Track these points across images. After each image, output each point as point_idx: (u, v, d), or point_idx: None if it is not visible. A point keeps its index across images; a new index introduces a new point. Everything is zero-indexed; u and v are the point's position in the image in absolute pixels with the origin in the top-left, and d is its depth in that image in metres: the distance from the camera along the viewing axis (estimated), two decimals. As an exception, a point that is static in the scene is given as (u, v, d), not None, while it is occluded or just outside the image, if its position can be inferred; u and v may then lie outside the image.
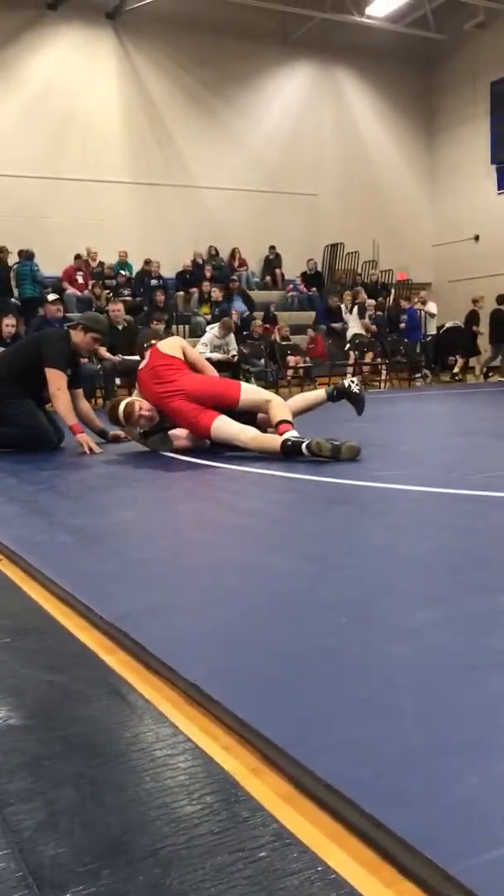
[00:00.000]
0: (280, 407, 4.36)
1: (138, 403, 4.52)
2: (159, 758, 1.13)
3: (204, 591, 1.92)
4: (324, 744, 1.11)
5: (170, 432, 4.63)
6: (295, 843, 0.92)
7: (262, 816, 0.97)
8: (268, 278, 16.11)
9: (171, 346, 4.81)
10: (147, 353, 4.84)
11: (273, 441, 4.14)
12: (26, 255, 12.48)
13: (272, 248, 16.24)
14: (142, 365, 4.83)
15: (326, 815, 0.98)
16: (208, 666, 1.40)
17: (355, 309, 13.32)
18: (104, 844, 0.93)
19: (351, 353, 12.81)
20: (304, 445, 3.94)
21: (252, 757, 1.14)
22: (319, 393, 4.80)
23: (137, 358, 8.55)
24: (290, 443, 4.01)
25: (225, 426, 4.29)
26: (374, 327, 13.31)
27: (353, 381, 4.64)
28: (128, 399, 4.57)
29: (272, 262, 16.26)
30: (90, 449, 4.70)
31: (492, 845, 0.87)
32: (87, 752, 1.15)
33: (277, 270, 16.14)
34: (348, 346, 13.03)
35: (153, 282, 13.59)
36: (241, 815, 0.98)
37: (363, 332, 13.07)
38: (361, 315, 13.22)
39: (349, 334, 13.17)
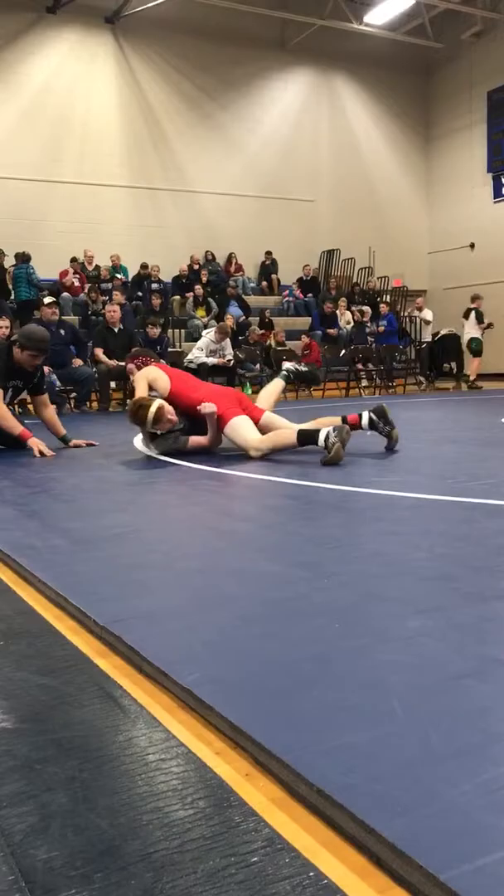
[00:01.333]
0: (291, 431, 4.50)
1: (167, 407, 4.55)
2: (152, 762, 1.13)
3: (198, 596, 1.92)
4: (316, 750, 1.11)
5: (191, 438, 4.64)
6: (287, 849, 0.92)
7: (255, 821, 0.98)
8: (264, 283, 16.15)
9: None
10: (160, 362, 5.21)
11: (288, 437, 4.33)
12: (22, 258, 12.49)
13: (268, 253, 16.28)
14: (160, 362, 5.10)
15: (319, 821, 0.99)
16: (202, 671, 1.40)
17: (472, 314, 13.40)
18: (96, 848, 0.93)
19: (472, 356, 13.21)
20: (324, 431, 4.16)
21: (245, 762, 1.14)
22: (278, 382, 5.08)
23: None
24: (307, 431, 4.27)
25: (244, 425, 4.46)
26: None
27: (296, 365, 5.08)
28: (159, 402, 4.53)
29: (268, 267, 16.30)
30: (41, 452, 4.81)
31: (483, 851, 0.87)
32: (79, 756, 1.15)
33: (273, 276, 16.19)
34: (465, 349, 13.41)
35: (153, 285, 13.62)
36: (234, 819, 0.98)
37: (480, 337, 13.22)
38: (480, 319, 13.31)
39: (466, 338, 13.34)
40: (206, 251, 15.47)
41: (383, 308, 14.30)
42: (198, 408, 4.46)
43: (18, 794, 1.05)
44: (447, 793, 0.99)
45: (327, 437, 4.12)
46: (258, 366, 12.23)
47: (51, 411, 5.43)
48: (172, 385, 4.68)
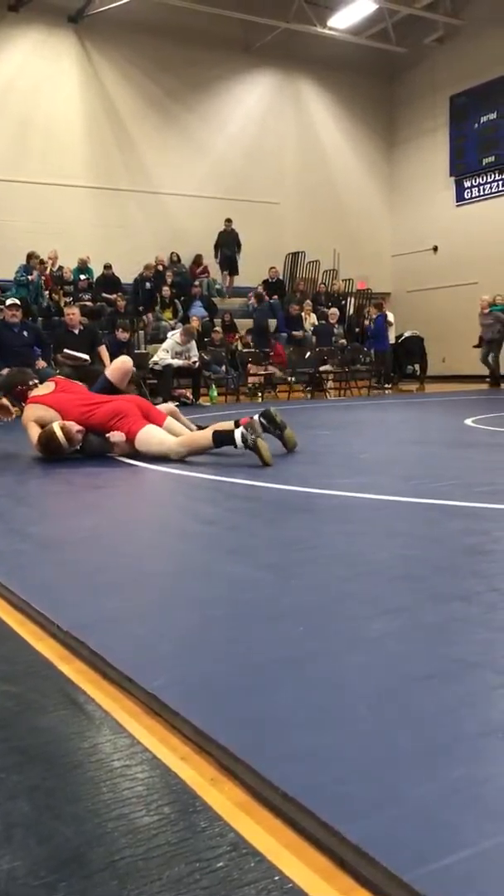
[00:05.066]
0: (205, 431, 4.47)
1: (68, 424, 4.55)
2: (117, 768, 1.12)
3: (163, 600, 1.91)
4: (281, 753, 1.12)
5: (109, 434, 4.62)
6: (252, 853, 0.92)
7: (220, 826, 0.98)
8: (227, 284, 16.07)
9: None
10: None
11: (203, 438, 4.31)
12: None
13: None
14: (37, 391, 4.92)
15: (283, 824, 0.99)
16: (166, 675, 1.40)
17: None
18: (61, 857, 0.92)
19: None
20: (237, 431, 4.09)
21: (210, 767, 1.14)
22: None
23: (86, 357, 8.63)
24: (223, 431, 4.20)
25: (152, 433, 4.49)
26: None
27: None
28: (58, 424, 4.52)
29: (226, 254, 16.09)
30: None
31: (447, 851, 0.88)
32: (43, 763, 1.14)
33: (234, 275, 16.08)
34: None
35: (123, 288, 13.59)
36: (199, 825, 0.98)
37: None
38: None
39: None
40: (172, 252, 15.43)
41: (372, 311, 14.09)
42: (107, 436, 4.56)
43: (-19, 803, 1.04)
44: (412, 794, 1.00)
45: (244, 439, 4.08)
46: (224, 367, 12.23)
47: None
48: (63, 415, 4.65)
